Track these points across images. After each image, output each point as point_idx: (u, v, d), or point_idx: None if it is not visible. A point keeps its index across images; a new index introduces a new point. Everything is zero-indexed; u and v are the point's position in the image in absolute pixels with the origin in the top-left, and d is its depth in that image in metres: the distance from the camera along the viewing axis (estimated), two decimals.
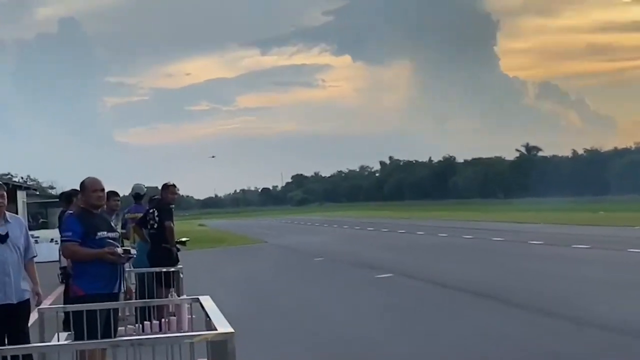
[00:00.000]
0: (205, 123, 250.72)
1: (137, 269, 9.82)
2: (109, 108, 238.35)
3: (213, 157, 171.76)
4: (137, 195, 11.74)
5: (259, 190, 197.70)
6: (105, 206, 7.02)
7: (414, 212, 68.45)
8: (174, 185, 10.53)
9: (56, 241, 16.36)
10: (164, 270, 9.52)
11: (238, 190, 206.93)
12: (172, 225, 10.18)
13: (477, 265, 17.40)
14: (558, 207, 59.30)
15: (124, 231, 10.54)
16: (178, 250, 10.49)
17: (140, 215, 11.00)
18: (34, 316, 6.39)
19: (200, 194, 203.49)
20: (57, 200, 17.85)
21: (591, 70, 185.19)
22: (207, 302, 5.41)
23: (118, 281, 6.38)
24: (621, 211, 44.93)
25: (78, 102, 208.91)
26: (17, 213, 16.11)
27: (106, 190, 6.73)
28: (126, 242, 11.02)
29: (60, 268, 13.91)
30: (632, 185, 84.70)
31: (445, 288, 13.47)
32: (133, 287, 9.68)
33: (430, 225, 39.88)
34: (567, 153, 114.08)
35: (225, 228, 55.72)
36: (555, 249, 21.03)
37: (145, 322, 7.43)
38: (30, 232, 6.84)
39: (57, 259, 14.67)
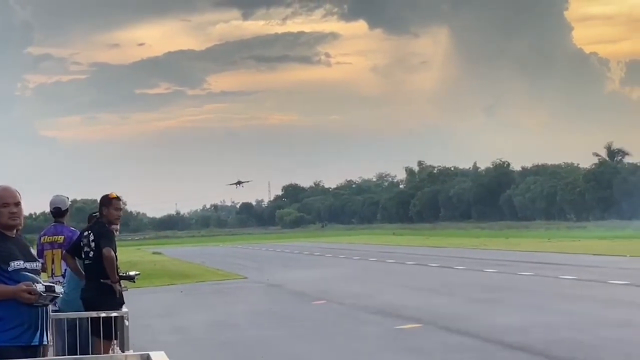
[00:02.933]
0: (164, 112, 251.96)
1: (67, 313, 9.81)
2: (32, 90, 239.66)
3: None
4: (56, 211, 11.66)
5: (237, 206, 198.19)
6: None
7: (452, 239, 68.31)
8: (117, 198, 10.53)
9: None
10: (103, 315, 9.50)
11: (208, 206, 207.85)
12: (112, 253, 10.18)
13: (548, 314, 17.33)
14: None
15: (41, 261, 10.57)
16: (123, 288, 10.49)
17: (60, 238, 11.07)
18: None
19: (155, 211, 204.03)
20: None
21: None
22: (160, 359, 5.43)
23: (39, 330, 6.37)
24: None
25: None
26: None
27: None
28: (44, 276, 11.01)
29: None
30: None
31: (506, 349, 13.25)
32: (60, 338, 9.67)
33: (474, 258, 39.84)
34: None
35: (190, 258, 55.55)
36: None
37: None
38: None
39: None
